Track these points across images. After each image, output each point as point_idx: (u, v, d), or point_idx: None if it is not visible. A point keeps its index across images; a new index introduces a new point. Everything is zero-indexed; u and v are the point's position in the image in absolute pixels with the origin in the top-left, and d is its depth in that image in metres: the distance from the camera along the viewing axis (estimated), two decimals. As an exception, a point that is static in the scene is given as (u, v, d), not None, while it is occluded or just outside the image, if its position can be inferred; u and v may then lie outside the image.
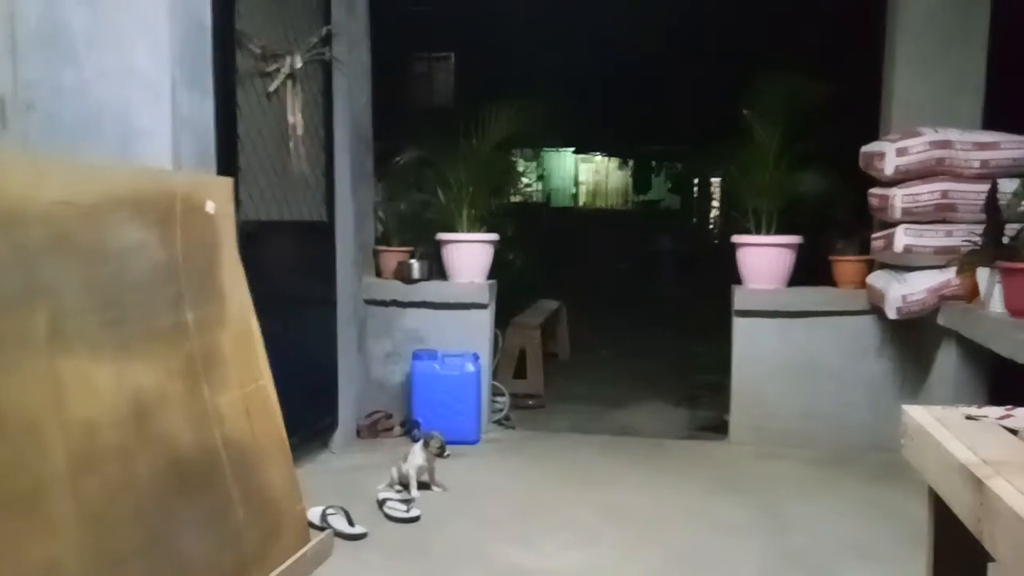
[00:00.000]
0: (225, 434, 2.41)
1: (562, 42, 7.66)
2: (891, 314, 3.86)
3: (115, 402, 2.04)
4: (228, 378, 2.50)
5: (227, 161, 3.20)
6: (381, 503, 3.33)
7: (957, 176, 3.69)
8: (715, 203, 13.69)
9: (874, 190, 4.01)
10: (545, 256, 8.47)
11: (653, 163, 16.57)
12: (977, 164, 3.67)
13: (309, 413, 3.91)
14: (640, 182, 17.16)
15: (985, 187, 3.58)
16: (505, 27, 7.13)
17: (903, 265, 3.89)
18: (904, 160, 3.71)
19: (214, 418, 2.38)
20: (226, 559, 2.31)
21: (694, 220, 15.58)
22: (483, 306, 4.68)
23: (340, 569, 2.80)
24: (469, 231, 4.74)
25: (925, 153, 3.68)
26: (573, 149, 16.72)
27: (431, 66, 7.38)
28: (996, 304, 3.23)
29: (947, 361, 3.73)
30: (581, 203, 17.96)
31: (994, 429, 1.47)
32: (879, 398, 4.22)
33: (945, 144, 3.68)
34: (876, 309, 4.13)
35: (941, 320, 3.71)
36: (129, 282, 2.21)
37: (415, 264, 4.66)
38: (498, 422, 4.85)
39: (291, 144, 3.80)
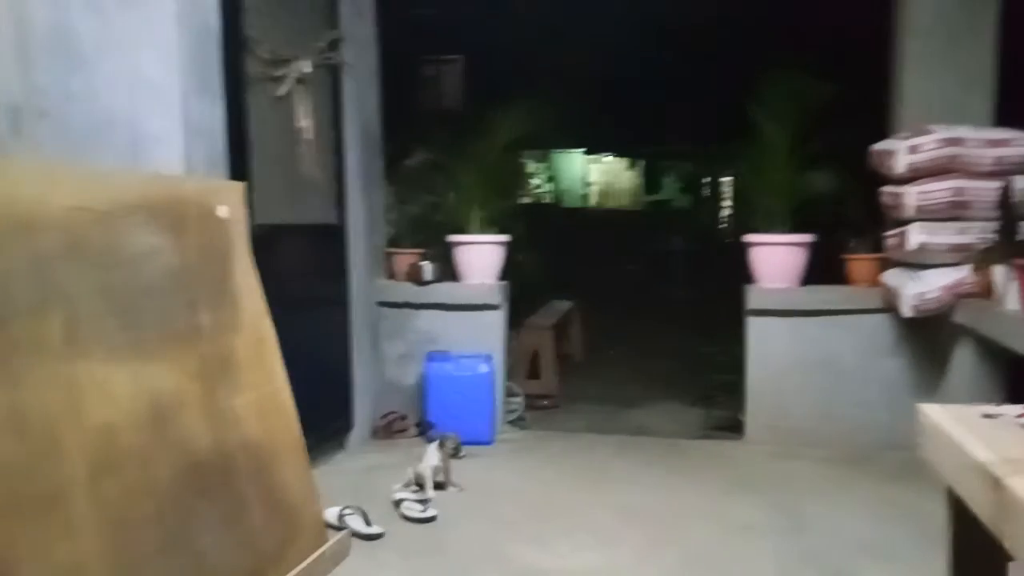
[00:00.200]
0: (241, 436, 2.43)
1: (571, 43, 7.65)
2: (906, 312, 3.84)
3: (132, 406, 2.05)
4: (243, 381, 2.52)
5: (238, 166, 3.22)
6: (397, 503, 3.34)
7: (970, 173, 3.66)
8: (726, 203, 13.64)
9: (886, 188, 3.99)
10: (556, 257, 8.46)
11: (663, 163, 16.54)
12: (989, 161, 3.64)
13: (324, 414, 3.93)
14: (650, 182, 17.15)
15: (998, 184, 3.56)
16: (514, 29, 7.13)
17: (917, 263, 3.86)
18: (915, 158, 3.69)
19: (230, 420, 2.40)
20: (244, 560, 2.32)
21: (705, 220, 15.52)
22: (495, 307, 4.68)
23: (357, 569, 2.80)
24: (480, 232, 4.75)
25: (937, 151, 3.66)
26: (583, 150, 16.70)
27: (440, 69, 7.39)
28: (1012, 301, 3.20)
29: (963, 359, 3.70)
30: (591, 204, 17.94)
31: (1012, 427, 1.46)
32: (895, 397, 4.19)
33: (957, 141, 3.66)
34: (891, 307, 4.11)
35: (957, 318, 3.68)
36: (143, 287, 2.22)
37: (427, 266, 4.67)
38: (512, 423, 4.85)
39: (301, 148, 3.82)
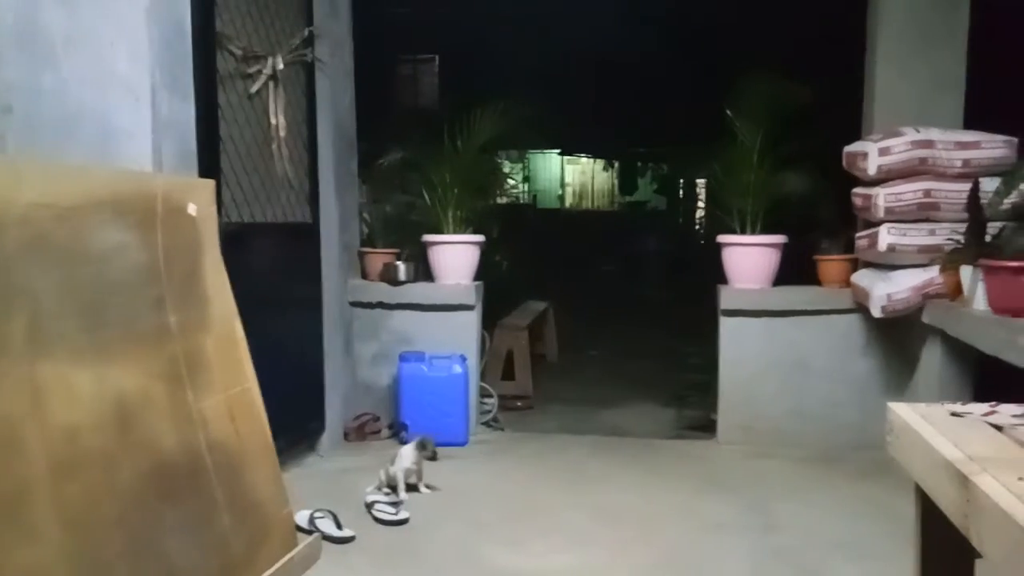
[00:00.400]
0: (209, 438, 2.39)
1: (547, 44, 7.66)
2: (876, 312, 3.88)
3: (96, 406, 2.01)
4: (212, 381, 2.48)
5: (209, 163, 3.18)
6: (369, 506, 3.31)
7: (940, 175, 3.71)
8: (700, 204, 13.74)
9: (857, 190, 4.03)
10: (532, 257, 8.47)
11: (639, 164, 16.62)
12: (959, 163, 3.69)
13: (295, 416, 3.89)
14: (626, 183, 17.21)
15: (967, 186, 3.61)
16: (490, 29, 7.13)
17: (887, 264, 3.91)
18: (887, 160, 3.73)
19: (198, 422, 2.36)
20: (212, 563, 2.28)
21: (680, 221, 15.63)
22: (470, 307, 4.66)
23: (328, 573, 2.77)
24: (455, 232, 4.73)
25: (907, 153, 3.70)
26: (559, 151, 16.74)
27: (415, 68, 7.36)
28: (979, 302, 3.25)
29: (932, 359, 3.75)
30: (567, 204, 17.98)
31: (979, 425, 1.48)
32: (865, 396, 4.23)
33: (927, 144, 3.70)
34: (861, 308, 4.15)
35: (925, 318, 3.73)
36: (109, 284, 2.18)
37: (401, 266, 4.64)
38: (487, 424, 4.84)
39: (274, 145, 3.78)
